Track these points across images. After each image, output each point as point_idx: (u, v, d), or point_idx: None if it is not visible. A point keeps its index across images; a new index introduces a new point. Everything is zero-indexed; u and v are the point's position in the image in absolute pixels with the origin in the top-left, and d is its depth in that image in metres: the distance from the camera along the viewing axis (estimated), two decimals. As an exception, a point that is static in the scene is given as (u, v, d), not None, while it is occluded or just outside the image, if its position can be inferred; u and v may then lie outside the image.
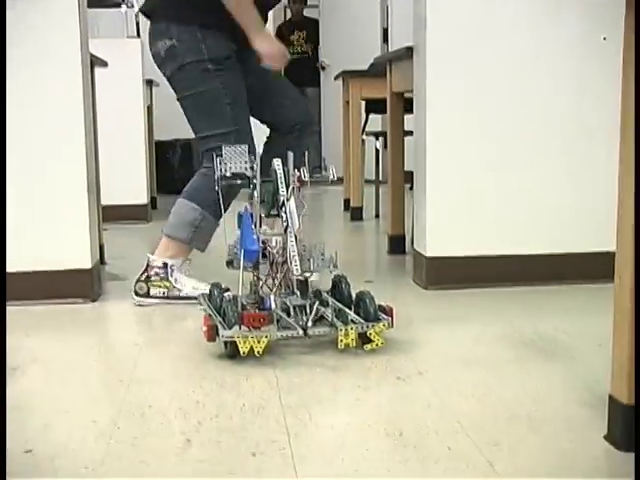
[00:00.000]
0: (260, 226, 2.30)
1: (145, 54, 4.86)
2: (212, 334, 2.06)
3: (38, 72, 2.70)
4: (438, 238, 2.89)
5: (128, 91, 4.92)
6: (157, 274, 2.72)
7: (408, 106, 3.34)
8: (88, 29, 2.88)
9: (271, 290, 2.25)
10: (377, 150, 5.07)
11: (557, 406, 1.73)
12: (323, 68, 8.01)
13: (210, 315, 2.17)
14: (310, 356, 2.11)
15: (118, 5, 5.02)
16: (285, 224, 2.20)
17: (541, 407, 1.73)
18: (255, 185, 2.28)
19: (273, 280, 2.26)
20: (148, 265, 2.74)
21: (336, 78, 5.38)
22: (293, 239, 2.17)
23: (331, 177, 2.31)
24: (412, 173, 3.05)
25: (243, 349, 1.99)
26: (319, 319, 2.14)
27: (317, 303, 2.14)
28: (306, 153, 2.43)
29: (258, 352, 1.99)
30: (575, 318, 2.47)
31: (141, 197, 5.01)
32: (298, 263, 2.14)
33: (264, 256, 2.27)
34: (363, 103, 5.08)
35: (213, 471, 1.44)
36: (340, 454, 1.50)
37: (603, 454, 1.48)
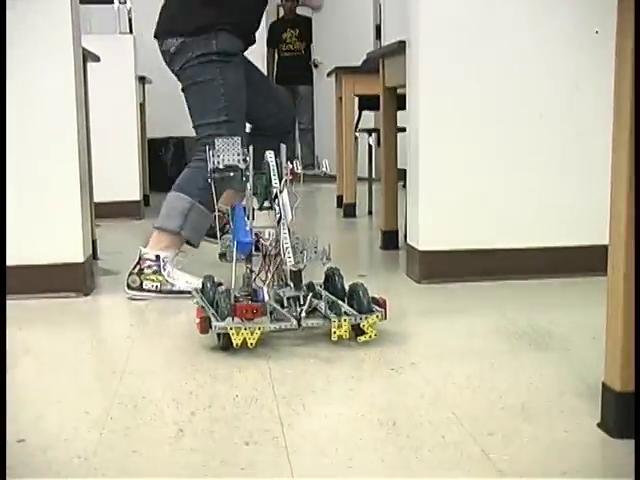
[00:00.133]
0: (253, 218, 2.30)
1: (138, 51, 4.87)
2: (205, 326, 2.05)
3: (37, 71, 2.70)
4: (431, 232, 2.89)
5: (121, 88, 4.87)
6: (150, 267, 2.71)
7: (401, 103, 3.34)
8: (80, 25, 2.87)
9: (264, 282, 2.24)
10: (370, 147, 5.06)
11: (551, 396, 1.73)
12: (316, 66, 8.00)
13: (203, 307, 2.16)
14: (303, 348, 2.10)
15: (110, 1, 4.99)
16: (278, 216, 2.20)
17: (535, 397, 1.73)
18: (248, 177, 2.27)
19: (266, 272, 2.26)
20: (140, 258, 2.73)
21: (329, 74, 5.37)
22: (286, 231, 2.16)
23: (324, 169, 2.30)
24: (405, 171, 3.05)
25: (236, 341, 1.98)
26: (312, 311, 2.13)
27: (310, 295, 2.13)
28: (299, 148, 2.44)
29: (251, 344, 1.98)
30: (569, 311, 2.47)
31: (134, 194, 4.99)
32: (291, 255, 2.13)
33: (257, 249, 2.26)
34: (356, 100, 5.07)
35: (206, 460, 1.43)
36: (334, 444, 1.49)
37: (597, 442, 1.48)
